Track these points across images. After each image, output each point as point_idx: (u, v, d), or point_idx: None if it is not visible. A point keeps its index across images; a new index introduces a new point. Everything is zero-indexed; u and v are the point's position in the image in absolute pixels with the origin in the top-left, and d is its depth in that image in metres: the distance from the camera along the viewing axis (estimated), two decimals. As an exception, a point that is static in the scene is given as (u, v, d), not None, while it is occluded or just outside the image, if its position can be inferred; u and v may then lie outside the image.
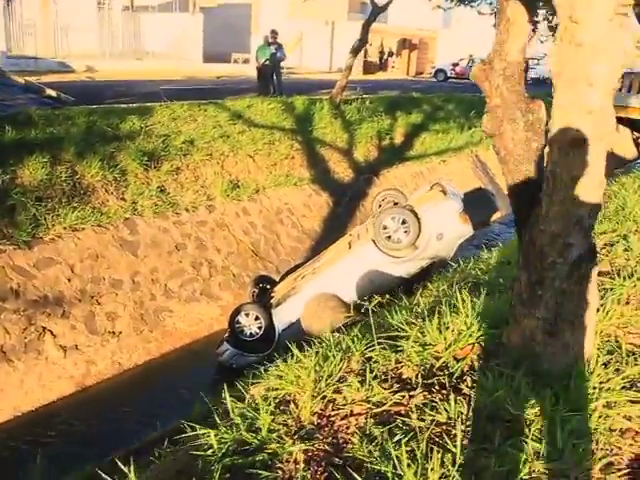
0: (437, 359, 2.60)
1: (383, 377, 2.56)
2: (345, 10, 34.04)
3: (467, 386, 2.33)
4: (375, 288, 6.52)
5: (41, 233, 7.44)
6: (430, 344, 2.72)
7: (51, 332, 6.92)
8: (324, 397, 2.42)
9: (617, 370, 2.44)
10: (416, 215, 6.52)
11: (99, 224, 8.00)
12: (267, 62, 14.31)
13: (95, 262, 7.68)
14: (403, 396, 2.34)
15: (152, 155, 9.27)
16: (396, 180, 13.05)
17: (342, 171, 12.16)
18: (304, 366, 2.65)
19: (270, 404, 2.48)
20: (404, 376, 2.53)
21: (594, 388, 2.25)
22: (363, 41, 13.80)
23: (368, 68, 32.67)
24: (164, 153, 9.43)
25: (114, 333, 7.37)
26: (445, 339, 2.70)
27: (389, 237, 6.55)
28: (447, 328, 2.76)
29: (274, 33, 14.56)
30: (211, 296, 8.46)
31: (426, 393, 2.30)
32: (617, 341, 2.72)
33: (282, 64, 15.27)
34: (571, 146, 2.00)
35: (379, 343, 2.81)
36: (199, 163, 9.85)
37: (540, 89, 25.10)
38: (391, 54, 34.29)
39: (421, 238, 6.54)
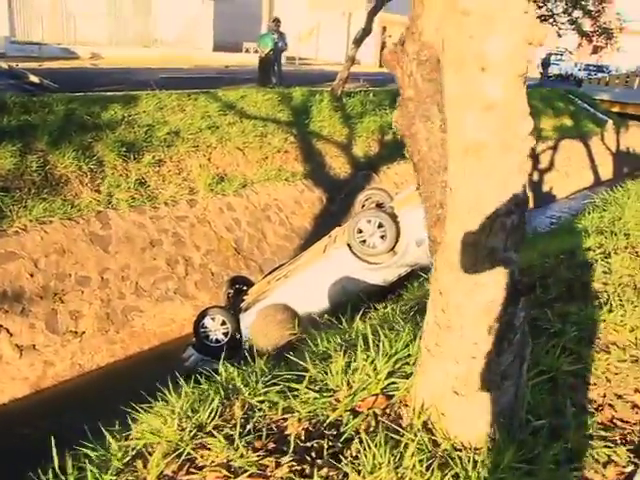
0: (334, 410, 2.11)
1: (266, 431, 2.08)
2: (364, 1, 33.32)
3: (350, 456, 1.83)
4: (348, 296, 6.05)
5: (4, 225, 7.09)
6: (332, 389, 2.23)
7: (7, 330, 6.55)
8: (180, 454, 1.95)
9: (552, 438, 1.93)
10: (394, 218, 5.99)
11: (69, 217, 7.62)
12: (271, 52, 13.79)
13: (61, 257, 7.30)
14: (271, 462, 1.86)
15: (133, 146, 8.86)
16: (397, 177, 12.50)
17: (339, 167, 11.63)
18: (171, 409, 2.18)
19: (123, 457, 2.03)
20: (287, 432, 2.05)
21: (511, 469, 1.75)
22: (367, 31, 13.20)
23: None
24: (146, 144, 9.02)
25: (76, 333, 6.98)
26: (349, 384, 2.21)
27: (364, 241, 6.04)
28: (356, 370, 2.27)
29: (277, 21, 14.04)
30: (186, 295, 8.04)
31: (294, 463, 1.81)
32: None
33: (284, 54, 14.71)
34: (467, 155, 1.49)
35: (282, 381, 2.34)
36: (184, 155, 9.42)
37: (563, 86, 24.30)
38: (409, 46, 33.38)
39: (399, 243, 6.02)
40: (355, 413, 2.10)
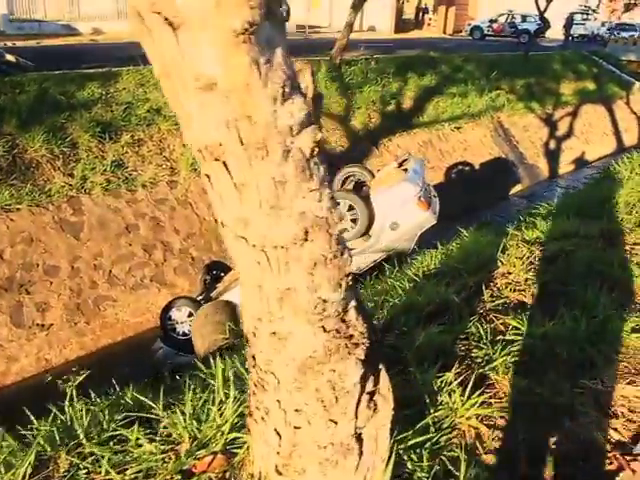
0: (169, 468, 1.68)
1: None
2: (378, -36, 32.03)
3: None
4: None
5: (-33, 214, 6.79)
6: (174, 441, 1.80)
7: (-31, 325, 6.30)
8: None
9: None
10: (366, 200, 5.47)
11: (37, 204, 7.28)
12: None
13: (29, 246, 6.99)
14: None
15: (110, 125, 8.45)
16: (399, 150, 11.84)
17: (336, 140, 11.06)
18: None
19: None
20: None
21: None
22: (365, -6, 12.45)
23: (402, 26, 30.80)
24: (124, 123, 8.60)
25: (43, 326, 6.70)
26: (193, 436, 1.77)
27: (334, 226, 5.54)
28: (207, 417, 1.83)
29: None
30: (163, 283, 7.68)
31: None
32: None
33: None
34: (206, 160, 1.02)
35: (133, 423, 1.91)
36: (165, 134, 8.98)
37: (588, 47, 22.97)
38: (427, 10, 32.15)
39: (374, 227, 5.52)
40: (189, 476, 1.66)
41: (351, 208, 5.46)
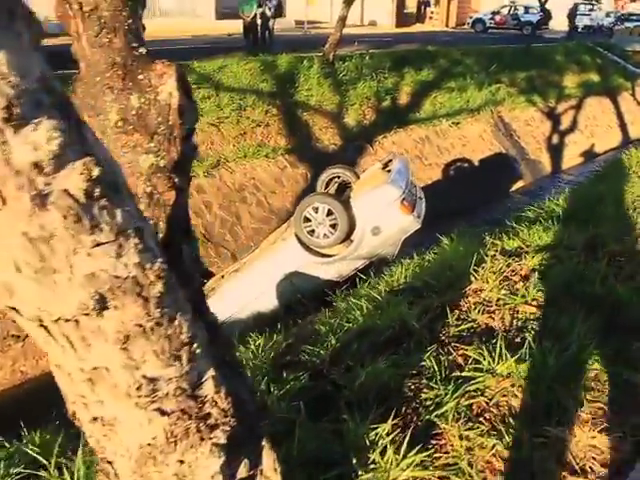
0: None
1: None
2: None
3: None
4: (299, 293, 5.34)
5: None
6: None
7: (-61, 338, 6.06)
8: None
9: None
10: (345, 204, 5.18)
11: None
12: (255, 17, 12.80)
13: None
14: None
15: (90, 127, 8.17)
16: (395, 147, 11.53)
17: (328, 139, 10.76)
18: None
19: None
20: None
21: None
22: (358, -12, 12.09)
23: (403, 20, 30.40)
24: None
25: (19, 337, 6.45)
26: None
27: (312, 231, 5.27)
28: None
29: (263, -16, 13.05)
30: (146, 290, 7.41)
31: None
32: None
33: (273, 19, 13.68)
34: None
35: None
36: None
37: (593, 38, 22.46)
38: (428, 4, 31.69)
39: (355, 233, 5.23)
40: None
41: (330, 213, 5.17)
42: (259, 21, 13.01)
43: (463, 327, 2.37)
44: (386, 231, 5.18)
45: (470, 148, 12.87)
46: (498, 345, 2.11)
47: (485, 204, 11.54)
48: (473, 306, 2.59)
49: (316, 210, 5.21)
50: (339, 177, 6.33)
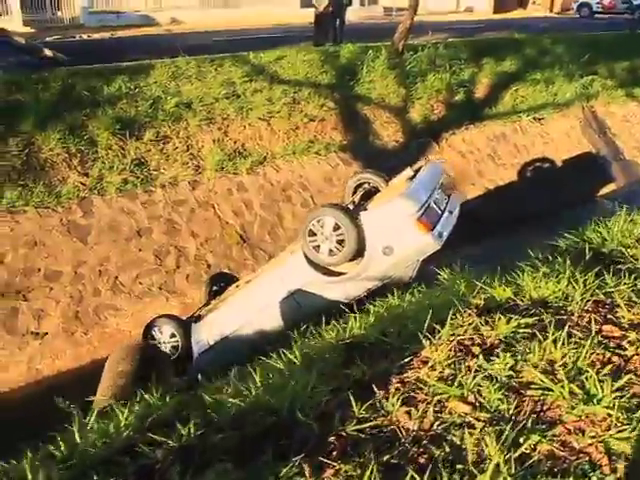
0: None
1: None
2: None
3: None
4: (304, 314, 4.82)
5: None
6: None
7: (-41, 332, 6.13)
8: None
9: None
10: (354, 219, 4.56)
11: (46, 205, 7.01)
12: (329, 7, 12.23)
13: (31, 250, 6.74)
14: None
15: (133, 122, 8.07)
16: (464, 145, 10.65)
17: (390, 135, 10.06)
18: None
19: None
20: None
21: None
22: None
23: (503, 5, 28.57)
24: (149, 119, 8.18)
25: (37, 334, 6.42)
26: None
27: (318, 247, 4.71)
28: None
29: (338, -29, 12.43)
30: (173, 291, 7.19)
31: None
32: None
33: (345, 9, 13.01)
34: None
35: None
36: (194, 129, 8.46)
37: None
38: (531, -13, 29.57)
39: (364, 251, 4.61)
40: None
41: (337, 227, 4.58)
42: (331, 10, 12.41)
43: (364, 426, 1.75)
44: (399, 251, 4.51)
45: (553, 147, 11.64)
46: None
47: (566, 209, 10.33)
48: (398, 388, 1.95)
49: (321, 224, 4.64)
50: (368, 182, 5.70)
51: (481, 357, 2.05)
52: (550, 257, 3.26)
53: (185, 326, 5.63)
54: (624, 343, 2.01)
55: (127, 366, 3.41)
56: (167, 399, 2.34)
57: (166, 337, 5.59)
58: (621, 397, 1.73)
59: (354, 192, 5.75)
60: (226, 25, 18.07)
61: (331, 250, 4.64)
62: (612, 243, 3.26)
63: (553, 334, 2.04)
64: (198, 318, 5.72)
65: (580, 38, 14.27)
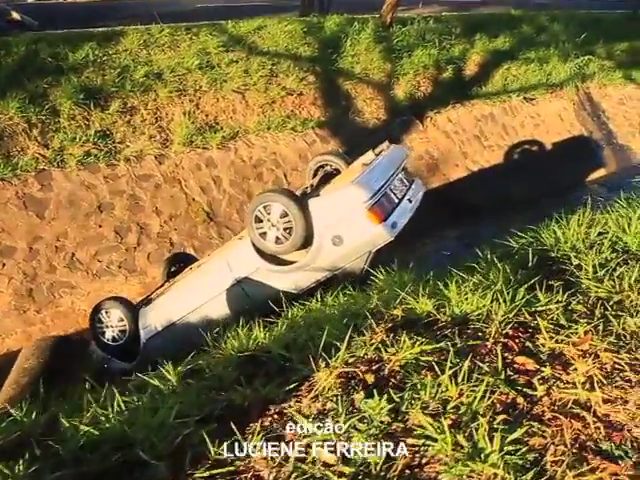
0: None
1: None
2: None
3: None
4: (251, 302, 4.60)
5: None
6: None
7: None
8: None
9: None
10: (302, 205, 4.28)
11: (1, 177, 6.71)
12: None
13: (-16, 224, 6.46)
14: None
15: (99, 91, 7.71)
16: (450, 125, 10.29)
17: (372, 112, 9.70)
18: None
19: None
20: None
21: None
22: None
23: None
24: (115, 88, 7.81)
25: (-14, 311, 6.19)
26: None
27: (264, 234, 4.43)
28: None
29: None
30: (133, 270, 6.95)
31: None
32: None
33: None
34: None
35: None
36: (164, 101, 8.10)
37: None
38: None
39: (313, 240, 4.34)
40: None
41: (285, 214, 4.30)
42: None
43: (215, 471, 1.51)
44: (349, 242, 4.23)
45: (544, 129, 11.29)
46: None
47: (553, 194, 10.03)
48: (270, 423, 1.71)
49: (268, 210, 4.36)
50: (329, 165, 5.39)
51: (373, 390, 1.80)
52: (494, 260, 3.01)
53: (134, 310, 5.38)
54: (536, 380, 1.75)
55: (34, 363, 3.17)
56: (34, 415, 2.10)
57: (114, 321, 5.35)
58: (514, 452, 1.49)
59: (314, 174, 5.46)
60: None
61: (278, 238, 4.37)
62: (565, 246, 3.00)
63: (454, 366, 1.79)
64: (148, 302, 5.48)
65: (579, 16, 13.76)
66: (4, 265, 6.41)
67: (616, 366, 1.82)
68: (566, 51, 12.15)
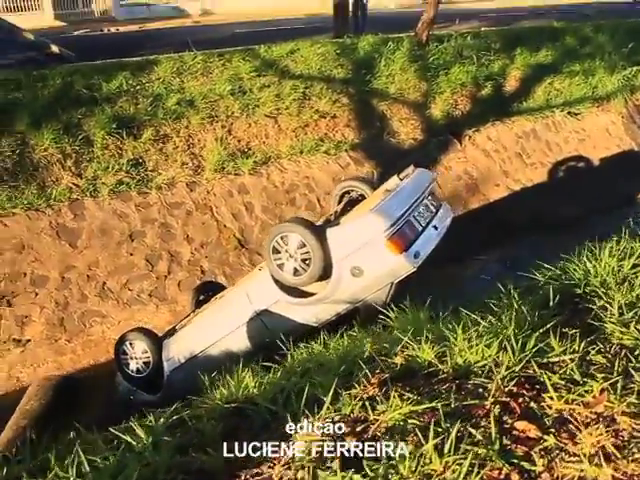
0: None
1: None
2: None
3: None
4: (270, 335, 4.44)
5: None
6: None
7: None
8: None
9: None
10: (320, 235, 4.12)
11: (36, 208, 6.84)
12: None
13: (19, 254, 6.58)
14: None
15: (132, 120, 7.80)
16: (489, 143, 9.97)
17: (407, 132, 9.50)
18: None
19: None
20: None
21: None
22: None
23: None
24: (148, 117, 7.89)
25: (20, 341, 6.26)
26: None
27: (282, 265, 4.29)
28: None
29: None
30: (163, 298, 6.93)
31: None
32: None
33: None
34: None
35: None
36: (196, 128, 8.14)
37: None
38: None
39: (332, 271, 4.17)
40: None
41: (303, 245, 4.15)
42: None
43: None
44: (369, 273, 4.04)
45: (590, 144, 10.81)
46: None
47: (602, 213, 9.54)
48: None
49: (285, 240, 4.22)
50: (354, 191, 5.23)
51: (351, 459, 1.60)
52: (514, 296, 2.76)
53: (159, 341, 5.32)
54: (536, 451, 1.51)
55: (35, 404, 3.10)
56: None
57: (138, 352, 5.30)
58: None
59: (340, 201, 5.30)
60: (257, 15, 17.74)
61: (296, 269, 4.22)
62: (595, 280, 2.73)
63: (443, 432, 1.57)
64: (172, 333, 5.42)
65: (625, 25, 13.20)
66: (37, 294, 6.49)
67: (635, 434, 1.56)
68: (613, 62, 11.65)
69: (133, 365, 5.33)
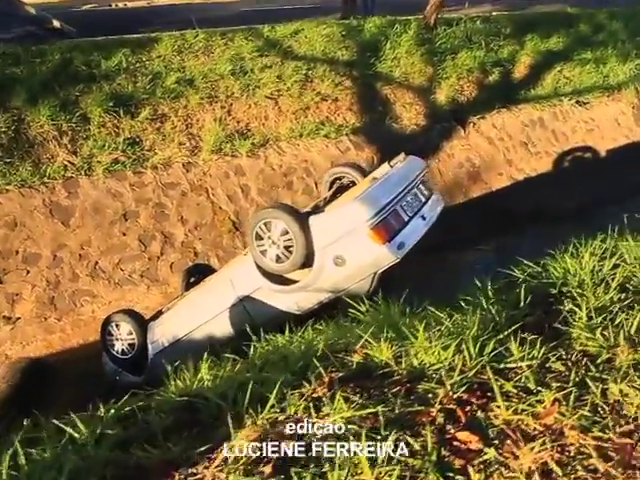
0: None
1: None
2: None
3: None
4: (252, 322, 4.39)
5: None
6: None
7: None
8: None
9: None
10: (303, 223, 4.05)
11: (30, 185, 6.80)
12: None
13: (11, 232, 6.56)
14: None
15: (130, 98, 7.71)
16: (494, 131, 9.80)
17: (410, 118, 9.34)
18: None
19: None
20: None
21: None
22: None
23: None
24: (146, 95, 7.80)
25: (9, 319, 6.27)
26: None
27: (264, 252, 4.23)
28: None
29: None
30: (155, 279, 6.90)
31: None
32: None
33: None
34: None
35: None
36: (195, 108, 8.04)
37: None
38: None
39: (314, 259, 4.10)
40: None
41: (286, 232, 4.08)
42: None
43: None
44: (351, 262, 3.96)
45: (598, 134, 10.60)
46: None
47: (607, 205, 9.37)
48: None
49: (268, 227, 4.14)
50: (345, 177, 5.14)
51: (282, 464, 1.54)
52: (488, 294, 2.69)
53: (144, 323, 5.30)
54: (474, 465, 1.44)
55: (3, 386, 3.09)
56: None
57: (123, 334, 5.28)
58: None
59: (330, 187, 5.21)
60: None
61: (278, 256, 4.15)
62: (574, 280, 2.64)
63: (382, 439, 1.51)
64: (159, 315, 5.39)
65: (635, 13, 12.84)
66: (28, 272, 6.48)
67: (582, 449, 1.49)
68: (626, 51, 11.37)
69: (118, 346, 5.32)
